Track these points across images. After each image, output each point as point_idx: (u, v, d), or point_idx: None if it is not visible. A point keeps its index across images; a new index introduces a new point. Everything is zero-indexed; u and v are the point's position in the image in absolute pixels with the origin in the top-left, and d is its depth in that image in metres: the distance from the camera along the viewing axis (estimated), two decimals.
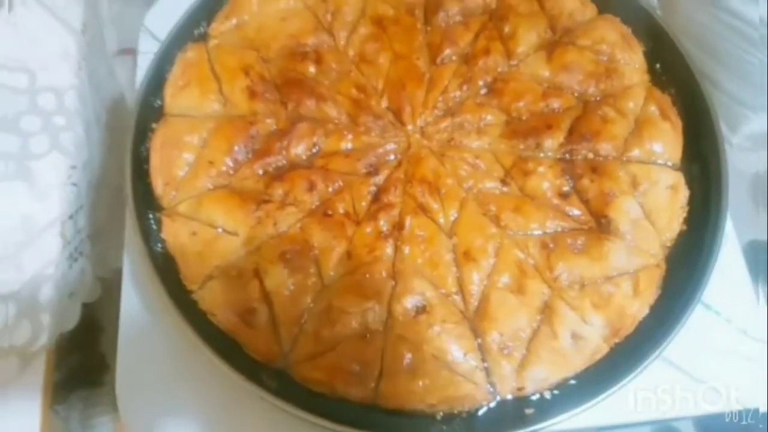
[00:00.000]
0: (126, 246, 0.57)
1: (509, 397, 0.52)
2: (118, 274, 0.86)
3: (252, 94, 0.61)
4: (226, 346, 0.52)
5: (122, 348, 0.55)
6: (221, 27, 0.65)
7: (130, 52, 1.10)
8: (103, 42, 0.91)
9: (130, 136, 0.58)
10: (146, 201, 0.57)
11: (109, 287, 0.84)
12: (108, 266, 0.83)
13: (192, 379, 0.53)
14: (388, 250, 0.56)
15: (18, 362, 0.57)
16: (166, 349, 0.54)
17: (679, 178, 0.60)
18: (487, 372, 0.52)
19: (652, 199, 0.59)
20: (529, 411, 0.51)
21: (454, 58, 0.65)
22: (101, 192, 0.76)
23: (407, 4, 0.67)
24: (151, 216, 0.57)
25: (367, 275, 0.55)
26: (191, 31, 0.65)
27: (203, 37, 0.65)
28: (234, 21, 0.65)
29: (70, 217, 0.65)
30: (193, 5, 0.65)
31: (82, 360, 0.87)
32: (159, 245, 0.56)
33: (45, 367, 0.58)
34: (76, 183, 0.66)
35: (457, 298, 0.55)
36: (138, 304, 0.56)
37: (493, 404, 0.51)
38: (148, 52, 0.69)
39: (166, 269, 0.54)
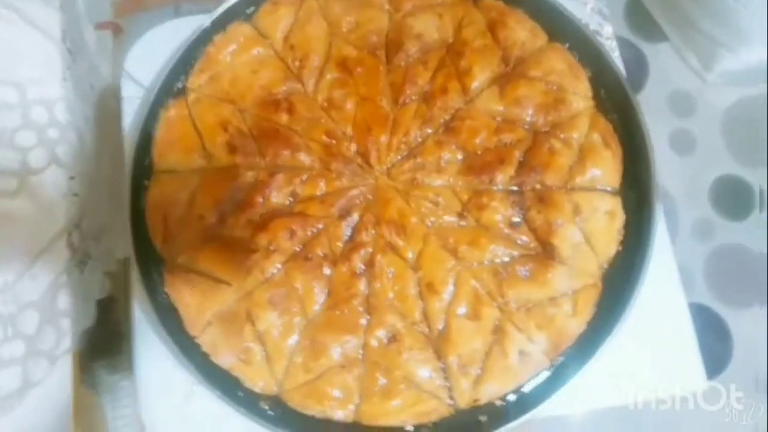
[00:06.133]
0: (134, 297, 0.65)
1: (466, 407, 0.62)
2: (124, 264, 0.93)
3: (232, 148, 0.67)
4: (227, 380, 0.62)
5: (142, 388, 0.64)
6: (198, 80, 0.70)
7: (104, 26, 1.12)
8: (83, 40, 0.92)
9: (127, 198, 0.65)
10: (148, 256, 0.65)
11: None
12: (113, 260, 0.90)
13: (202, 411, 0.63)
14: (362, 287, 0.64)
15: (47, 363, 0.64)
16: (180, 384, 0.63)
17: (616, 204, 0.67)
18: (449, 389, 0.62)
19: (592, 225, 0.67)
20: (482, 418, 0.62)
21: (414, 97, 0.70)
22: (100, 190, 0.81)
23: (369, 45, 0.72)
24: (153, 270, 0.65)
25: (346, 311, 0.64)
26: (172, 85, 0.70)
27: (183, 92, 0.70)
28: (208, 74, 0.70)
29: (76, 226, 0.69)
30: (172, 59, 0.69)
31: (98, 331, 0.94)
32: (163, 295, 0.64)
33: (72, 362, 0.65)
34: (77, 193, 0.70)
35: (423, 326, 0.64)
36: (150, 347, 0.65)
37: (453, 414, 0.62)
38: (131, 96, 0.74)
39: (171, 318, 0.63)
